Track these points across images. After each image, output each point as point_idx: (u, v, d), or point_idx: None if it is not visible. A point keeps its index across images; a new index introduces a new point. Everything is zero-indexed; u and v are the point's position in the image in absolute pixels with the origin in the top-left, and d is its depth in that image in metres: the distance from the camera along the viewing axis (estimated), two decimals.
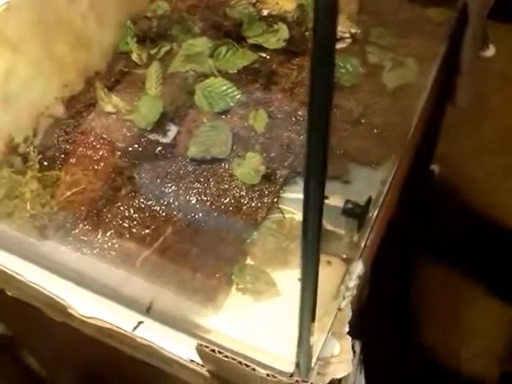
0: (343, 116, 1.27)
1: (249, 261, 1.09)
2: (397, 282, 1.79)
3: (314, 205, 0.66)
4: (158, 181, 1.20)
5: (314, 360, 0.91)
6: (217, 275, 1.07)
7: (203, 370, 0.95)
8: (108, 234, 1.14)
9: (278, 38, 1.37)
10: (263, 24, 1.40)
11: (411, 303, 1.97)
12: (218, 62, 1.36)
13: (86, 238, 1.14)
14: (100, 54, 1.43)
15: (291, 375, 0.89)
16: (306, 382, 0.88)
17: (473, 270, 2.06)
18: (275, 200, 1.16)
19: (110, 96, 1.31)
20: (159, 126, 1.29)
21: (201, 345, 0.90)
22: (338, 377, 0.93)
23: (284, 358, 0.91)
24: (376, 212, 1.13)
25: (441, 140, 2.05)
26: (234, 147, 1.23)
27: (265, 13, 1.44)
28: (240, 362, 0.87)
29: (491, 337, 1.93)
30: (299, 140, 1.23)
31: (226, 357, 0.86)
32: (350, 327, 0.98)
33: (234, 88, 1.31)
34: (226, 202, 1.16)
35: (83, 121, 1.31)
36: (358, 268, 1.05)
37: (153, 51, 1.41)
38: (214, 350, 0.88)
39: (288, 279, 1.04)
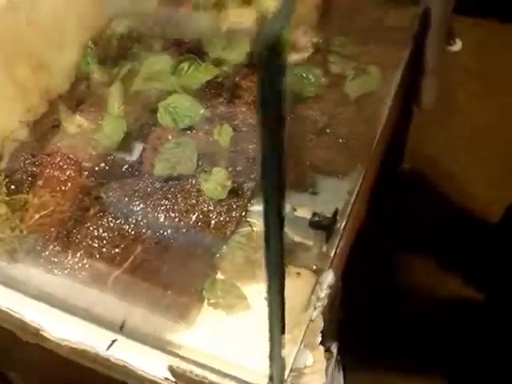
0: (308, 127, 1.29)
1: (219, 275, 1.10)
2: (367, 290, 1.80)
3: (273, 217, 0.66)
4: (126, 199, 1.20)
5: (287, 372, 0.92)
6: (188, 291, 1.07)
7: None
8: (78, 254, 1.14)
9: (239, 52, 1.38)
10: (224, 39, 1.41)
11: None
12: (180, 79, 1.36)
13: (56, 260, 1.14)
14: (62, 75, 1.42)
15: None
16: None
17: (450, 261, 2.09)
18: (243, 214, 1.17)
19: (74, 117, 1.31)
20: (124, 144, 1.29)
21: (172, 366, 0.90)
22: None
23: (257, 371, 0.92)
24: (344, 222, 1.15)
25: (411, 139, 2.07)
26: (200, 163, 1.23)
27: (225, 27, 1.45)
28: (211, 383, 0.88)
29: None
30: None
31: (197, 375, 0.87)
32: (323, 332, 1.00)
33: (198, 103, 1.31)
34: (194, 217, 1.17)
35: (48, 143, 1.30)
36: (329, 278, 1.06)
37: (114, 71, 1.41)
38: (185, 371, 0.89)
39: (258, 292, 1.05)
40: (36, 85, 1.35)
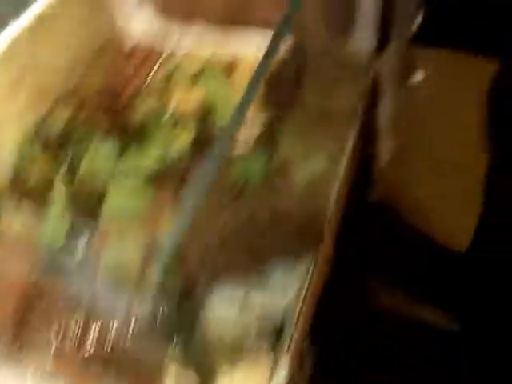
0: (255, 214, 1.25)
1: None
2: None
3: None
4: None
5: None
6: None
7: None
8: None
9: (183, 138, 1.34)
10: (168, 125, 1.38)
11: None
12: (125, 166, 1.32)
13: None
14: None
15: None
16: None
17: (421, 290, 2.07)
18: None
19: (13, 216, 1.25)
20: (68, 242, 1.23)
21: None
22: None
23: None
24: (298, 308, 1.11)
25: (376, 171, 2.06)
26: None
27: (168, 114, 1.41)
28: None
29: None
30: None
31: None
32: None
33: (145, 191, 1.27)
34: None
35: None
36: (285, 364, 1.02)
37: (56, 161, 1.36)
38: None
39: None
40: None
